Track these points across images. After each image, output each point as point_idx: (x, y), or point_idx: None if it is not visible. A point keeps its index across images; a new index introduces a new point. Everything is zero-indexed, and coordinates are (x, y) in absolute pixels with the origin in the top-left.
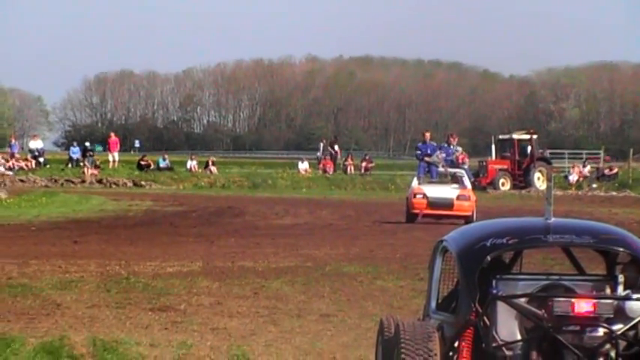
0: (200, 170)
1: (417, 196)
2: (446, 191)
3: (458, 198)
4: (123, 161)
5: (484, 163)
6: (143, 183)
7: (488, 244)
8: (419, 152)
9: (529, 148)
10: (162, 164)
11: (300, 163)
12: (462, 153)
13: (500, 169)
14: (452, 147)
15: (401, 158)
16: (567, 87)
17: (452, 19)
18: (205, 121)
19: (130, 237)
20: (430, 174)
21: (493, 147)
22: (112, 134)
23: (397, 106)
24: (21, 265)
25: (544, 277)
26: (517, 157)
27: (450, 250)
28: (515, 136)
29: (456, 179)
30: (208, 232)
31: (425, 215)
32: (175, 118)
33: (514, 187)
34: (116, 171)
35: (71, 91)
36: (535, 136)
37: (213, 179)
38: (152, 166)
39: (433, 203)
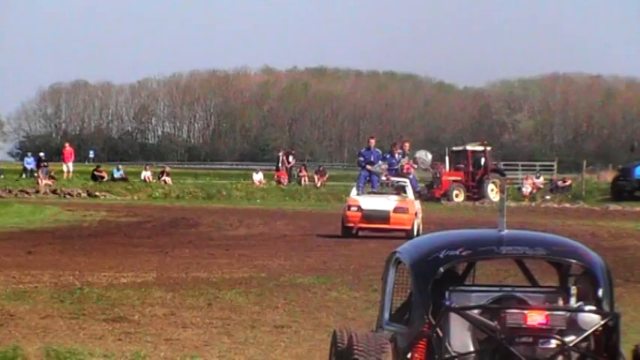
0: (154, 181)
1: (352, 208)
2: (382, 203)
3: (395, 210)
4: (77, 172)
5: (438, 175)
6: (97, 193)
7: (441, 255)
8: (361, 159)
9: (483, 160)
10: (116, 175)
11: (254, 174)
12: (407, 162)
13: (454, 181)
14: (396, 156)
15: (356, 169)
16: (521, 99)
17: (407, 31)
18: (160, 132)
19: (84, 247)
20: (371, 184)
21: (447, 158)
22: (67, 145)
23: (352, 117)
24: None
25: (497, 288)
26: (471, 169)
27: (403, 261)
28: (469, 147)
29: (399, 190)
30: (163, 242)
31: (360, 229)
32: (130, 129)
33: (468, 198)
34: (70, 181)
35: (26, 102)
36: (489, 148)
37: (167, 190)
38: (106, 177)
39: (368, 216)
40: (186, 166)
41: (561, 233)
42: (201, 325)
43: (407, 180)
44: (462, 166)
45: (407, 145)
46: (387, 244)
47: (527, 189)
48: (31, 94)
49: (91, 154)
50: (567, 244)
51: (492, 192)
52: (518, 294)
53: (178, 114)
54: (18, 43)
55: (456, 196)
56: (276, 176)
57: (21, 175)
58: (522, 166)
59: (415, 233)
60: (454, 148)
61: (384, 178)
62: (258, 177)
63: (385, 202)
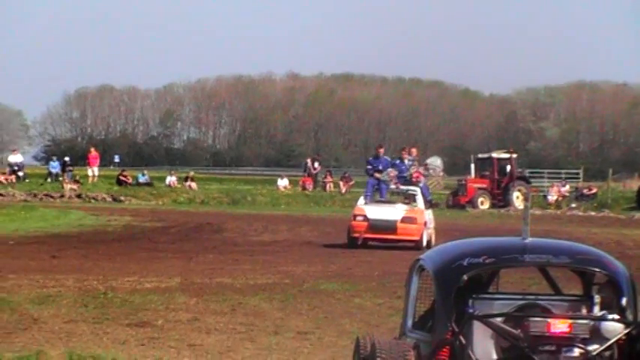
0: (179, 186)
1: (357, 217)
2: (390, 212)
3: (403, 220)
4: (102, 176)
5: (463, 182)
6: (122, 198)
7: (465, 263)
8: (369, 167)
9: (508, 167)
10: (141, 179)
11: (279, 179)
12: (417, 169)
13: (479, 188)
14: (406, 162)
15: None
16: (547, 106)
17: (433, 37)
18: (185, 137)
19: (109, 252)
20: (379, 192)
21: (472, 166)
22: (92, 149)
23: (377, 123)
24: None
25: (520, 296)
26: (496, 176)
27: (426, 268)
28: (495, 155)
29: (408, 198)
30: (187, 248)
31: (366, 239)
32: (155, 134)
33: (493, 206)
34: (95, 186)
35: (51, 106)
36: (514, 155)
37: (192, 195)
38: (131, 182)
39: (374, 226)
40: (211, 171)
41: (586, 241)
42: (225, 330)
43: (417, 188)
44: (488, 173)
45: (414, 151)
46: (411, 251)
47: (552, 197)
48: (57, 98)
49: (116, 159)
50: (591, 253)
51: (518, 200)
52: (541, 302)
53: (204, 119)
54: (44, 47)
55: (482, 203)
56: (301, 182)
57: (46, 179)
58: (548, 173)
59: (425, 244)
60: (480, 156)
61: (392, 186)
62: (283, 183)
63: (392, 212)
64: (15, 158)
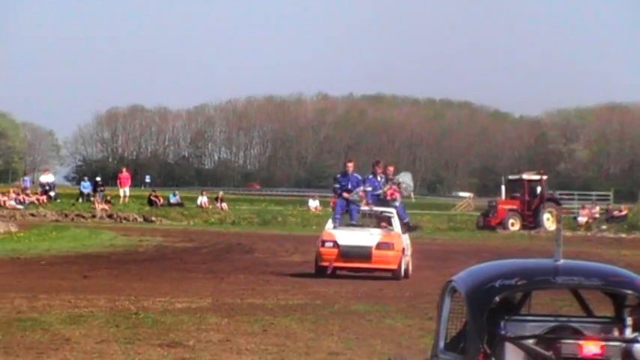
0: (210, 206)
1: (326, 244)
2: (363, 238)
3: (378, 246)
4: (133, 196)
5: (494, 203)
6: (153, 218)
7: (497, 284)
8: (337, 186)
9: (539, 189)
10: (172, 200)
11: (310, 200)
12: (390, 187)
13: (509, 210)
14: (379, 178)
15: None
16: (577, 128)
17: (463, 59)
18: (216, 157)
19: (140, 272)
20: (350, 215)
21: (503, 187)
22: (124, 169)
23: (408, 144)
24: (30, 300)
25: (552, 318)
26: (527, 198)
27: (458, 290)
28: (525, 176)
29: (382, 221)
30: (218, 268)
31: (336, 268)
32: (186, 154)
33: (523, 227)
34: (127, 206)
35: (83, 126)
36: (545, 177)
37: (223, 215)
38: (162, 202)
39: (346, 253)
40: (241, 191)
41: (617, 263)
42: (256, 351)
43: (393, 210)
44: (518, 194)
45: (391, 169)
46: (441, 272)
47: (582, 219)
48: (88, 118)
49: (148, 179)
50: (623, 275)
51: (548, 221)
52: (573, 324)
53: (234, 140)
54: (76, 68)
55: (512, 224)
56: (331, 203)
57: (77, 199)
58: (578, 195)
59: (403, 273)
60: (510, 177)
61: (364, 207)
62: (314, 203)
63: (366, 237)
64: (46, 178)
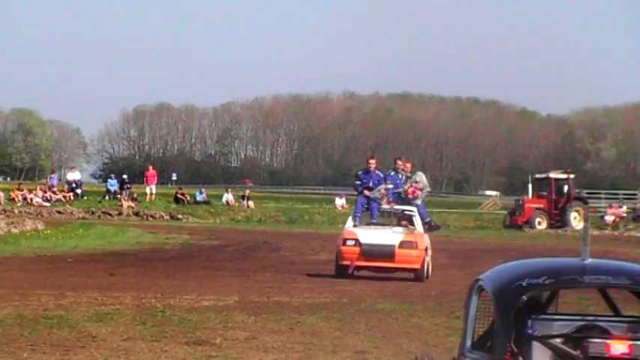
0: (237, 204)
1: (348, 242)
2: (385, 236)
3: (401, 245)
4: (160, 194)
5: (521, 202)
6: (180, 216)
7: (524, 283)
8: (358, 183)
9: (566, 188)
10: (198, 198)
11: (337, 198)
12: (411, 185)
13: (536, 208)
14: (400, 175)
15: (439, 195)
16: (604, 127)
17: (491, 57)
18: (243, 155)
19: (166, 270)
20: (370, 213)
21: (530, 186)
22: (150, 167)
23: (434, 143)
24: (57, 297)
25: (580, 317)
26: (554, 197)
27: (485, 289)
28: (552, 175)
29: (404, 220)
30: (244, 266)
31: (358, 267)
32: (213, 152)
33: (550, 226)
34: (153, 204)
35: (109, 124)
36: (572, 176)
37: (249, 213)
38: (189, 200)
39: (368, 252)
40: (268, 189)
41: None
42: (283, 349)
43: (414, 208)
44: (545, 193)
45: (408, 166)
46: (468, 271)
47: (610, 217)
48: (115, 116)
49: (174, 177)
50: None
51: (575, 220)
52: (600, 323)
53: (261, 138)
54: (102, 66)
55: (539, 223)
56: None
57: (104, 196)
58: (605, 194)
59: (425, 274)
60: (537, 176)
61: (385, 205)
62: (340, 202)
63: (389, 236)
64: (73, 176)
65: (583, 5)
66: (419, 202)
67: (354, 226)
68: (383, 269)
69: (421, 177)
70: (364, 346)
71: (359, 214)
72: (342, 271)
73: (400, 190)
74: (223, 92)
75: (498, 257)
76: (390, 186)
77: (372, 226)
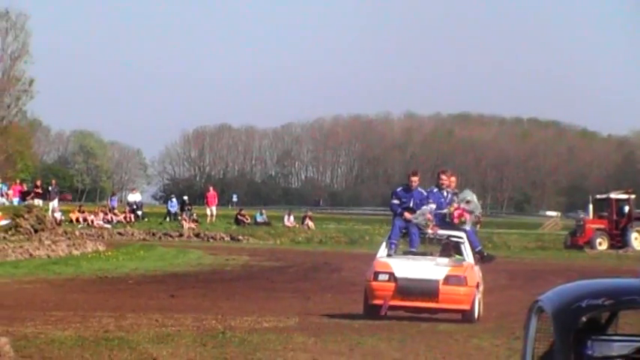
0: (297, 225)
1: (380, 276)
2: (427, 269)
3: (447, 281)
4: (220, 215)
5: (581, 222)
6: (240, 237)
7: (583, 304)
8: (396, 202)
9: (627, 208)
10: (259, 219)
11: None
12: (458, 206)
13: (597, 229)
14: (445, 192)
15: (499, 216)
16: None
17: (552, 78)
18: (303, 177)
19: (227, 291)
20: (409, 240)
21: (590, 206)
22: (211, 188)
23: (495, 164)
24: (118, 318)
25: (639, 338)
26: (615, 217)
27: (545, 310)
28: (613, 195)
29: (449, 248)
30: (305, 287)
31: (392, 307)
32: (273, 173)
33: (611, 246)
34: (214, 225)
35: (170, 145)
36: (633, 196)
37: (310, 235)
38: (249, 221)
39: (405, 289)
40: (328, 210)
41: None
42: None
43: (462, 234)
44: (606, 214)
45: (453, 179)
46: (530, 292)
47: None
48: (176, 137)
49: (234, 198)
50: None
51: (636, 240)
52: None
53: (321, 159)
54: (163, 87)
55: (600, 244)
56: None
57: (165, 218)
58: None
59: (476, 315)
60: (598, 196)
61: (430, 231)
62: None
63: (431, 269)
64: (134, 197)
65: None
66: (467, 227)
67: (389, 255)
68: (423, 310)
69: (472, 196)
70: None
71: (395, 241)
72: (372, 312)
73: (445, 211)
74: (283, 113)
75: (559, 278)
76: (433, 206)
77: (411, 257)
